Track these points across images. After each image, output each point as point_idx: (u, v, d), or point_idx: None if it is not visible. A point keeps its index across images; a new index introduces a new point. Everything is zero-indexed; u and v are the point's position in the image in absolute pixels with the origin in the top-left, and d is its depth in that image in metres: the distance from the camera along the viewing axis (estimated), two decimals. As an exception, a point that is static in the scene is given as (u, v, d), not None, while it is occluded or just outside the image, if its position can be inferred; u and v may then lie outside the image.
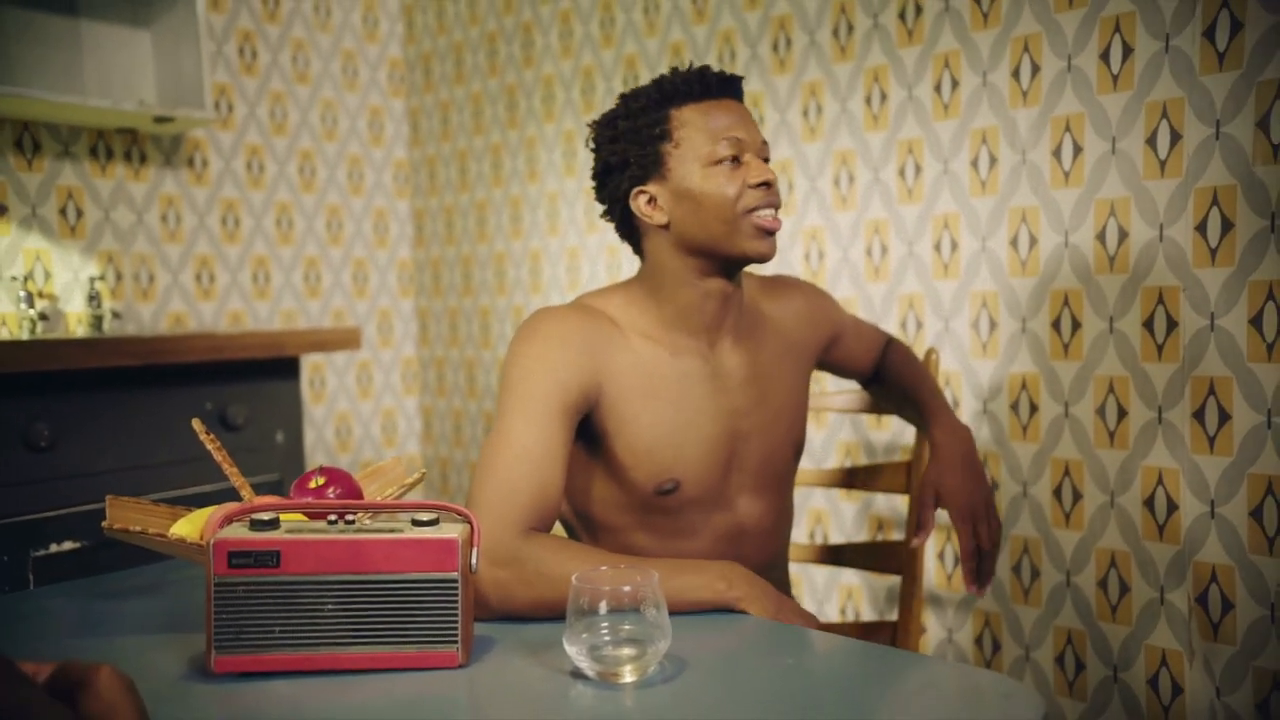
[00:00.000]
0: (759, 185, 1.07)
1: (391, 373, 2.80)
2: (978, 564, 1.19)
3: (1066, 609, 1.63)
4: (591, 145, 1.16)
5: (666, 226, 1.10)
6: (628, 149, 1.11)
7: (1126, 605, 1.56)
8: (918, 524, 1.20)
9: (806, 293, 1.27)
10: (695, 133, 1.08)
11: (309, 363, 2.60)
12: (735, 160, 1.08)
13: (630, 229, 1.15)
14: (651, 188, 1.10)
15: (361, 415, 2.73)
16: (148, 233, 2.29)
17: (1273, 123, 1.39)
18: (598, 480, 1.13)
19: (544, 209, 2.46)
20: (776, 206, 1.09)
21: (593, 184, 1.17)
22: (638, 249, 1.16)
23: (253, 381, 1.93)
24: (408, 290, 2.83)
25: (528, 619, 0.97)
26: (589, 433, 1.11)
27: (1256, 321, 1.41)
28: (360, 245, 2.72)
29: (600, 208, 1.21)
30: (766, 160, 1.11)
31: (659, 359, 1.11)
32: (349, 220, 2.69)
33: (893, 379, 1.35)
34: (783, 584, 1.24)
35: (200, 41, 2.11)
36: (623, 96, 1.14)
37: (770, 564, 1.20)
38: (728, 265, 1.11)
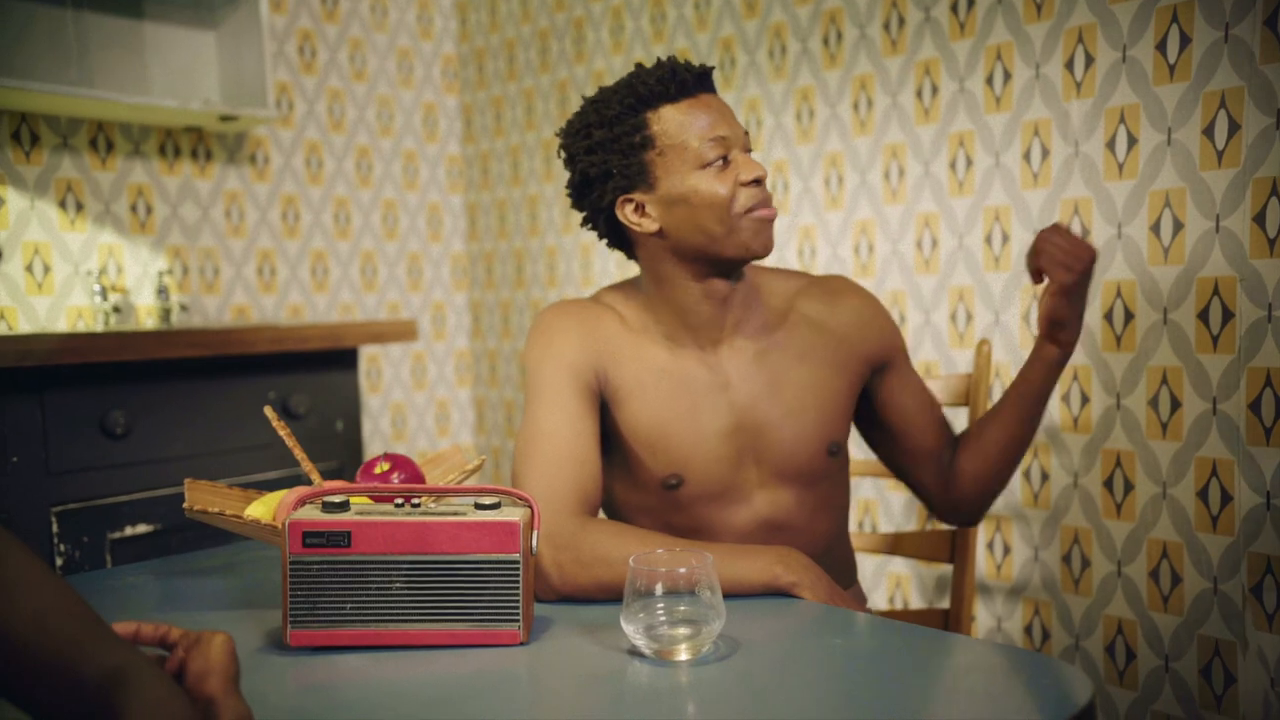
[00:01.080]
0: (750, 183, 1.06)
1: (445, 364, 2.86)
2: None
3: (1117, 598, 1.62)
4: (563, 156, 1.13)
5: (658, 233, 1.09)
6: (609, 159, 1.08)
7: (1178, 595, 1.55)
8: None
9: (864, 297, 1.21)
10: (678, 137, 1.06)
11: (365, 354, 2.67)
12: (723, 159, 1.07)
13: (618, 236, 1.14)
14: (638, 196, 1.08)
15: (416, 406, 2.80)
16: (213, 228, 2.37)
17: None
18: (621, 481, 1.16)
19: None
20: (769, 197, 1.09)
21: (568, 194, 1.14)
22: (630, 254, 1.16)
23: (313, 372, 2.00)
24: (461, 283, 2.88)
25: (587, 600, 1.00)
26: (606, 428, 1.13)
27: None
28: (415, 239, 2.78)
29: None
30: (749, 150, 1.10)
31: (660, 357, 1.12)
32: (404, 215, 2.75)
33: (980, 424, 1.22)
34: (842, 573, 1.22)
35: (263, 42, 2.18)
36: (592, 102, 1.11)
37: (815, 559, 1.16)
38: (726, 266, 1.10)
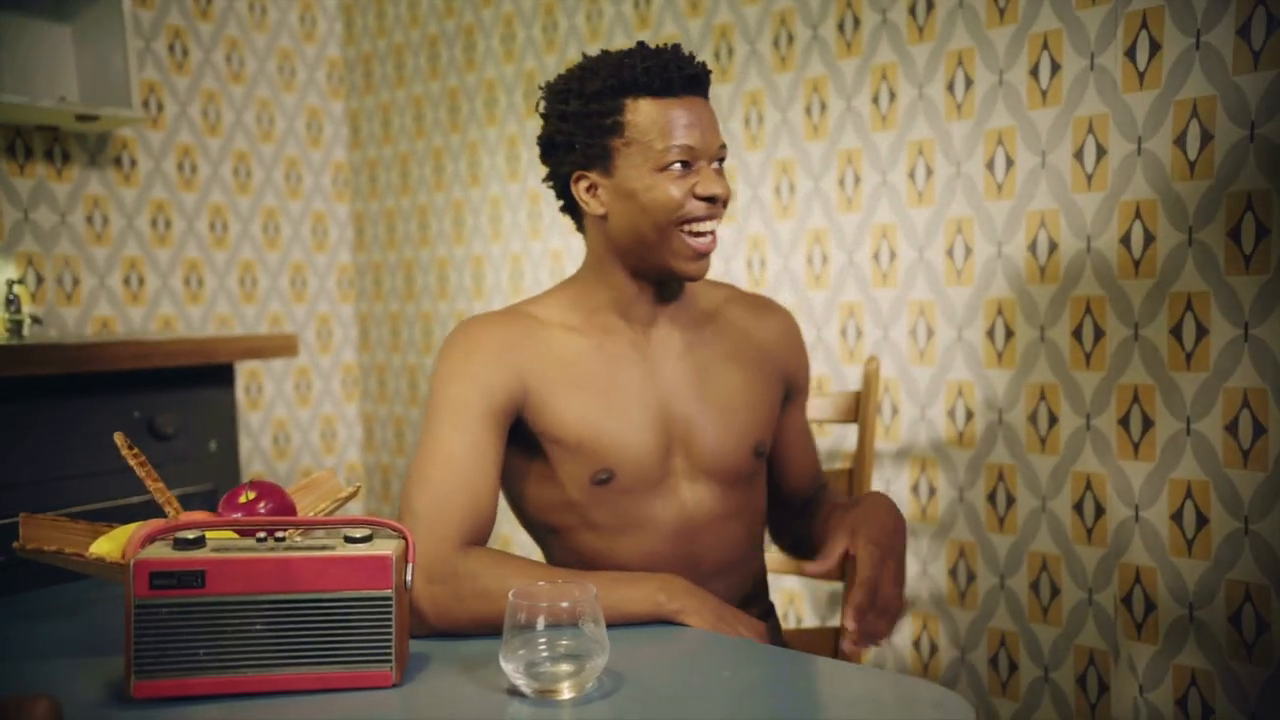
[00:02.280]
0: (705, 198, 1.05)
1: (331, 379, 2.75)
2: (867, 614, 0.99)
3: (1000, 611, 1.66)
4: (541, 111, 1.12)
5: (604, 218, 1.08)
6: (575, 133, 1.06)
7: (1057, 606, 1.60)
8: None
9: (789, 319, 1.23)
10: (648, 132, 1.04)
11: (245, 369, 2.54)
12: (686, 165, 1.04)
13: (569, 205, 1.13)
14: (594, 176, 1.07)
15: (300, 422, 2.68)
16: (71, 234, 2.21)
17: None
18: (538, 483, 1.12)
19: (486, 214, 2.43)
20: (716, 223, 1.07)
21: (537, 148, 1.14)
22: (578, 225, 1.15)
23: (184, 389, 1.88)
24: (348, 295, 2.78)
25: (465, 635, 0.95)
26: (523, 437, 1.10)
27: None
28: (298, 249, 2.66)
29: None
30: (722, 163, 1.08)
31: (585, 350, 1.10)
32: (286, 223, 2.63)
33: (823, 500, 1.25)
34: (752, 589, 1.20)
35: (126, 37, 2.05)
36: (580, 68, 1.08)
37: (732, 565, 1.15)
38: (658, 275, 1.10)
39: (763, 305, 1.22)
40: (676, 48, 1.07)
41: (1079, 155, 1.55)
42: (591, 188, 1.08)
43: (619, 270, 1.10)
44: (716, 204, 1.06)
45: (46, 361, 1.64)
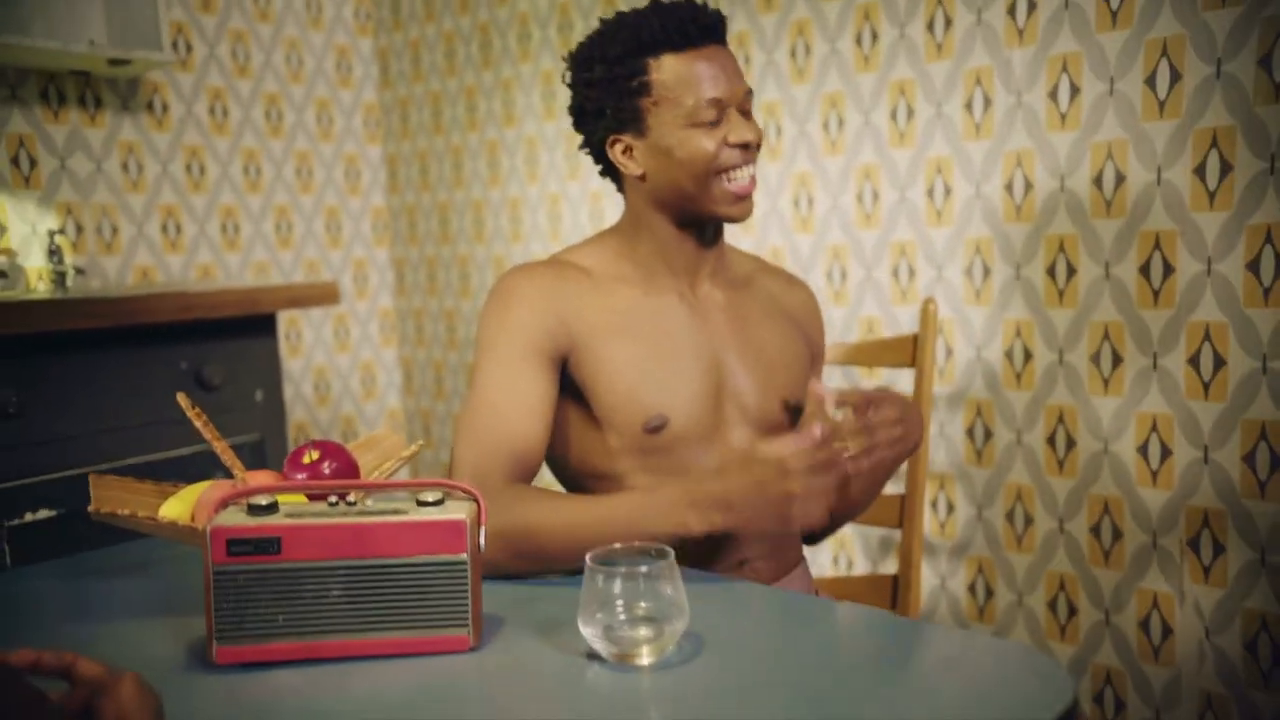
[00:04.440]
0: (738, 145, 1.06)
1: (369, 324, 2.74)
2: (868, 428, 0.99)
3: (1059, 555, 1.64)
4: (567, 81, 1.13)
5: (642, 178, 1.10)
6: (604, 98, 1.08)
7: (1119, 550, 1.58)
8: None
9: (812, 295, 1.26)
10: (676, 89, 1.05)
11: (285, 317, 2.53)
12: (716, 115, 1.06)
13: (609, 168, 1.15)
14: (628, 138, 1.09)
15: (340, 369, 2.68)
16: (108, 182, 2.19)
17: (1275, 61, 1.35)
18: (590, 432, 1.11)
19: (522, 154, 2.38)
20: (753, 165, 1.08)
21: (570, 113, 1.15)
22: (619, 188, 1.16)
23: (228, 339, 1.87)
24: (383, 239, 2.75)
25: (514, 576, 0.96)
26: (572, 386, 1.10)
27: (1254, 266, 1.40)
28: (332, 193, 2.63)
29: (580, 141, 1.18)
30: (748, 112, 1.09)
31: (633, 299, 1.11)
32: (319, 167, 2.59)
33: None
34: (791, 538, 1.21)
35: (152, -24, 2.00)
36: (599, 34, 1.09)
37: None
38: (702, 221, 1.11)
39: (789, 277, 1.26)
40: (688, 5, 1.07)
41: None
42: (627, 150, 1.10)
43: (663, 222, 1.12)
44: (750, 149, 1.07)
45: (93, 315, 1.63)
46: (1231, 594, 1.46)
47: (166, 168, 2.29)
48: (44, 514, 1.63)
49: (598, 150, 1.13)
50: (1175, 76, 1.44)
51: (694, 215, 1.10)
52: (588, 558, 0.80)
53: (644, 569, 0.79)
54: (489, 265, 2.51)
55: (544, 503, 0.98)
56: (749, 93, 1.08)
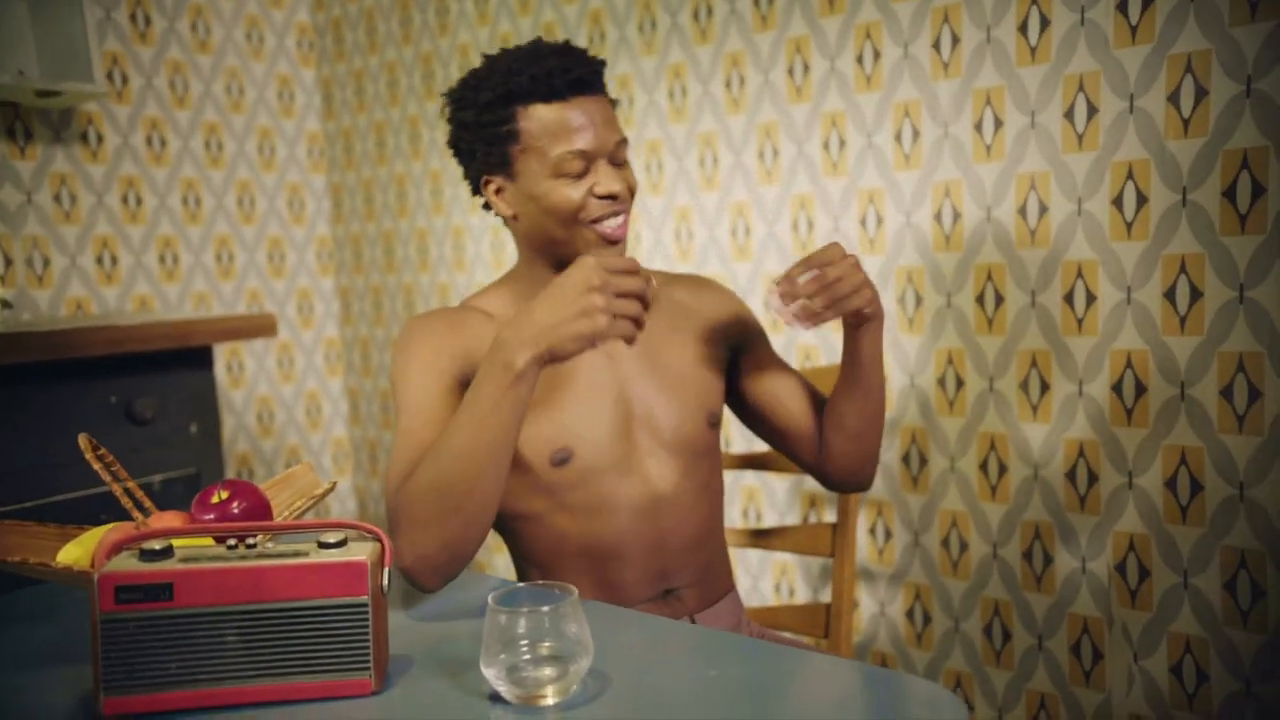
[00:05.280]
0: (605, 196, 1.07)
1: (314, 354, 2.71)
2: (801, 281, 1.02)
3: (994, 581, 1.66)
4: (445, 118, 1.14)
5: (515, 218, 1.12)
6: (475, 141, 1.10)
7: (1050, 575, 1.59)
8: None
9: (721, 287, 1.27)
10: (542, 139, 1.06)
11: (226, 347, 2.50)
12: (583, 166, 1.06)
13: (490, 205, 1.16)
14: (499, 180, 1.11)
15: (284, 399, 2.64)
16: (39, 214, 2.15)
17: (1183, 96, 1.39)
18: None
19: (465, 184, 2.37)
20: (623, 214, 1.09)
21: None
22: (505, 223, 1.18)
23: (161, 372, 1.84)
24: (328, 268, 2.73)
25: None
26: None
27: (1170, 295, 1.43)
28: (275, 222, 2.60)
29: None
30: (622, 161, 1.10)
31: None
32: (261, 196, 2.57)
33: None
34: (719, 566, 1.22)
35: (84, 6, 1.97)
36: (474, 75, 1.10)
37: (698, 542, 1.17)
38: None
39: (694, 280, 1.26)
40: (566, 47, 1.08)
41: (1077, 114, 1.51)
42: (499, 190, 1.11)
43: (544, 263, 1.13)
44: (618, 200, 1.08)
45: (19, 349, 1.59)
46: (1157, 618, 1.48)
47: (102, 199, 2.26)
48: (-38, 555, 1.58)
49: (474, 187, 1.15)
50: (1092, 110, 1.47)
51: (568, 259, 1.10)
52: (489, 598, 0.79)
53: (546, 608, 0.78)
54: (434, 293, 2.49)
55: (425, 456, 0.97)
56: (621, 142, 1.09)
